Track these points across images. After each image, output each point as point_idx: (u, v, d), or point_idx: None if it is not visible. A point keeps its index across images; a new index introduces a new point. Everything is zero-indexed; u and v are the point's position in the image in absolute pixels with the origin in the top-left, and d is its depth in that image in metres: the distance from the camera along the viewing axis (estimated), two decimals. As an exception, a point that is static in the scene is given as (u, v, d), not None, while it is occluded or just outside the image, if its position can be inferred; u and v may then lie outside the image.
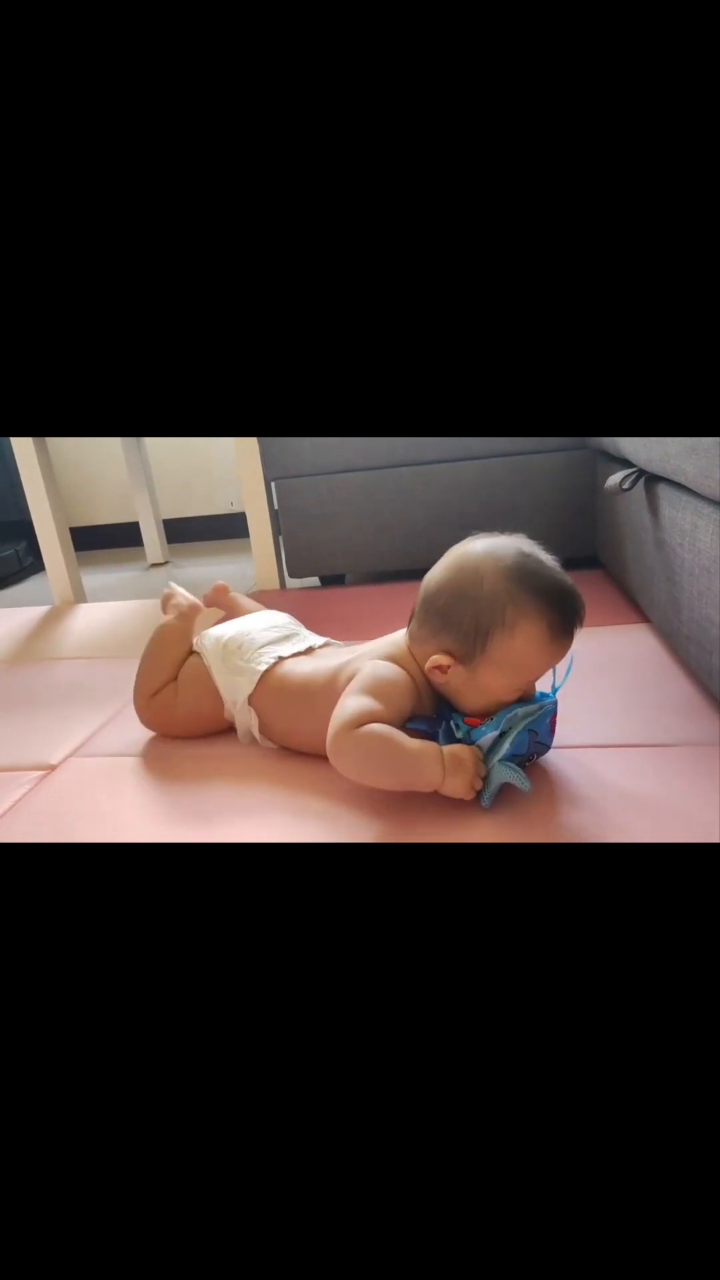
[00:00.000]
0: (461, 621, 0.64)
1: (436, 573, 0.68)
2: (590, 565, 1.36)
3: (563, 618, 0.63)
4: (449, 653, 0.65)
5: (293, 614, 0.91)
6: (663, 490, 0.86)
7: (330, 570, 1.49)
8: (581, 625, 0.65)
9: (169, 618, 0.86)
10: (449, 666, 0.65)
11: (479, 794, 0.62)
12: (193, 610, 0.87)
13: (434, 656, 0.66)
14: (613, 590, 1.22)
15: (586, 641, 0.98)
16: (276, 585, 1.55)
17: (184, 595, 0.89)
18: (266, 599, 1.46)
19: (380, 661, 0.69)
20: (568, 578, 0.65)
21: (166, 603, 0.90)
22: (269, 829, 0.64)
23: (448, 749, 0.63)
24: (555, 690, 0.68)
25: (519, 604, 0.62)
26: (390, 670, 0.67)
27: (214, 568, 1.96)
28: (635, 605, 1.12)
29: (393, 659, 0.69)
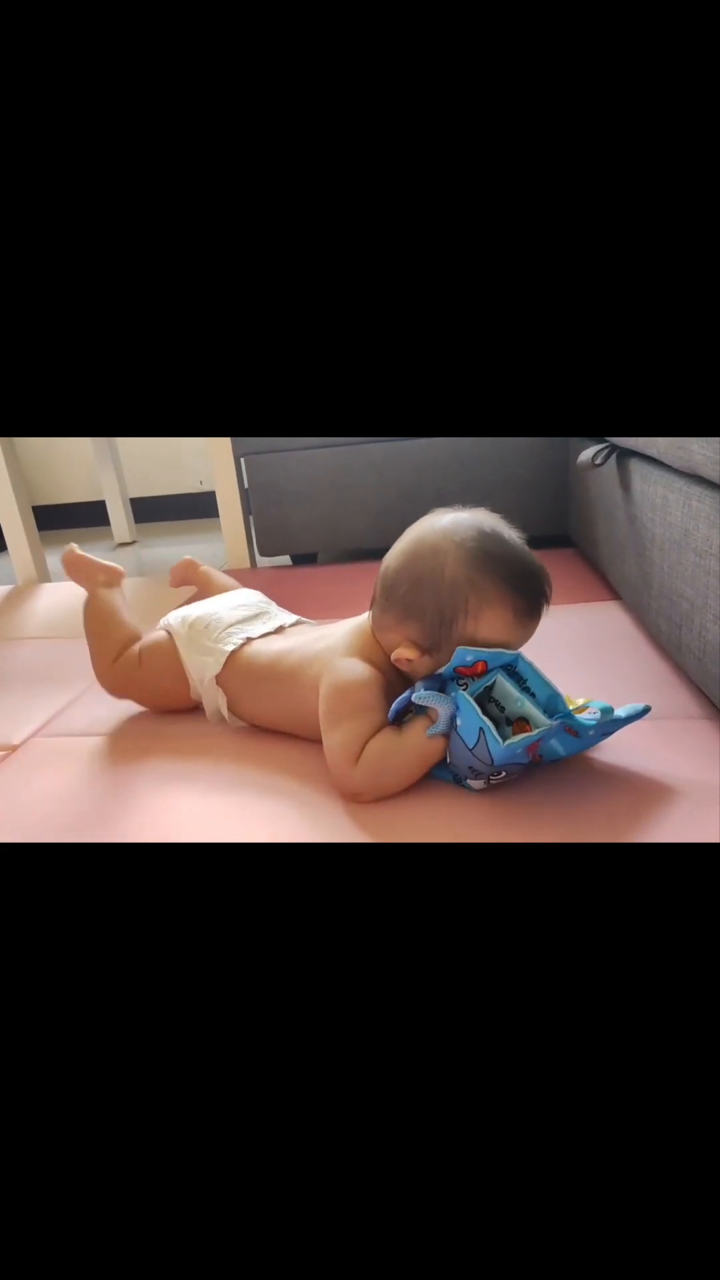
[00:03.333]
0: (424, 611, 0.62)
1: (395, 556, 0.65)
2: (562, 544, 1.36)
3: (528, 600, 0.61)
4: (414, 643, 0.63)
5: (264, 592, 0.89)
6: (634, 465, 0.86)
7: (302, 549, 1.47)
8: (549, 603, 0.64)
9: (100, 591, 0.83)
10: (416, 658, 0.63)
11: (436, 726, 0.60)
12: (114, 575, 0.84)
13: (399, 649, 0.64)
14: (584, 568, 1.22)
15: (557, 620, 0.98)
16: (247, 564, 1.52)
17: (103, 568, 0.83)
18: (237, 578, 1.44)
19: (344, 667, 0.65)
20: (531, 555, 0.63)
21: (84, 571, 0.83)
22: (238, 809, 0.63)
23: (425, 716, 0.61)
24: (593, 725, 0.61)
25: (482, 590, 0.60)
26: (356, 676, 0.64)
27: (183, 547, 1.92)
28: (606, 583, 1.13)
29: (359, 651, 0.67)
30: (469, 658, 0.60)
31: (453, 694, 0.60)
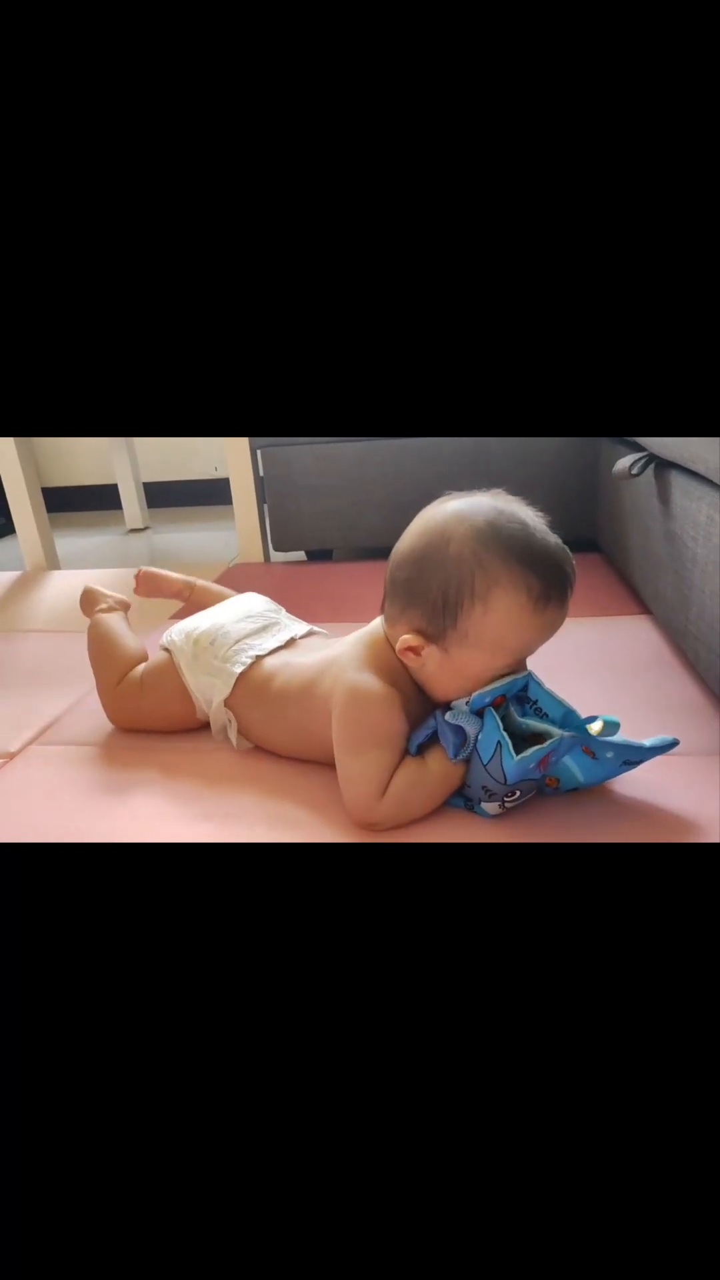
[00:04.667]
0: (428, 594, 0.56)
1: (403, 540, 0.60)
2: (589, 549, 1.30)
3: (544, 582, 0.54)
4: (419, 631, 0.58)
5: (276, 590, 0.85)
6: (675, 478, 0.80)
7: (317, 545, 1.42)
8: (572, 590, 0.57)
9: (99, 615, 0.82)
10: (421, 648, 0.58)
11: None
12: (120, 605, 0.83)
13: (404, 637, 0.58)
14: (612, 578, 1.17)
15: (582, 634, 0.93)
16: (260, 558, 1.48)
17: (108, 596, 0.84)
18: (249, 573, 1.39)
19: (358, 685, 0.60)
20: (551, 536, 0.57)
21: (90, 604, 0.83)
22: (238, 835, 0.59)
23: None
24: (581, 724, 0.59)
25: (490, 570, 0.54)
26: (374, 699, 0.59)
27: (196, 534, 1.88)
28: (636, 595, 1.07)
29: (372, 662, 0.62)
30: (487, 699, 0.57)
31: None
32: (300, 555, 1.51)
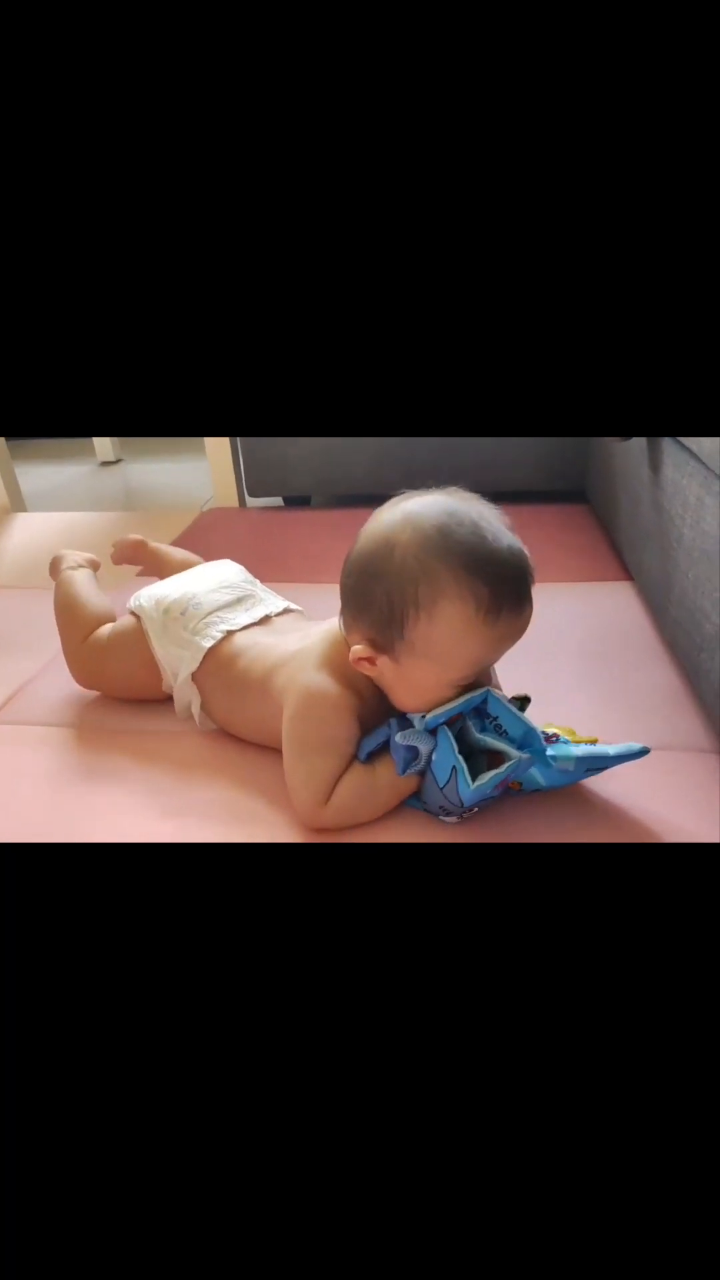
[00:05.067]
0: (373, 604, 0.53)
1: (355, 544, 0.57)
2: (578, 499, 1.25)
3: (494, 592, 0.50)
4: (370, 641, 0.55)
5: (251, 540, 0.82)
6: (668, 448, 0.76)
7: (294, 490, 1.36)
8: (529, 599, 0.53)
9: (65, 573, 0.80)
10: (374, 658, 0.56)
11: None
12: (90, 564, 0.82)
13: (355, 647, 0.56)
14: (598, 535, 1.13)
15: (559, 601, 0.90)
16: (235, 503, 1.42)
17: (75, 555, 0.82)
18: (224, 518, 1.34)
19: (311, 685, 0.58)
20: (508, 540, 0.52)
21: (56, 568, 0.81)
22: (205, 834, 0.59)
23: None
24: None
25: (435, 580, 0.51)
26: (323, 700, 0.58)
27: (171, 467, 1.80)
28: (620, 558, 1.04)
29: (331, 661, 0.59)
30: (441, 719, 0.55)
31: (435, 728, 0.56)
32: (277, 501, 1.44)
